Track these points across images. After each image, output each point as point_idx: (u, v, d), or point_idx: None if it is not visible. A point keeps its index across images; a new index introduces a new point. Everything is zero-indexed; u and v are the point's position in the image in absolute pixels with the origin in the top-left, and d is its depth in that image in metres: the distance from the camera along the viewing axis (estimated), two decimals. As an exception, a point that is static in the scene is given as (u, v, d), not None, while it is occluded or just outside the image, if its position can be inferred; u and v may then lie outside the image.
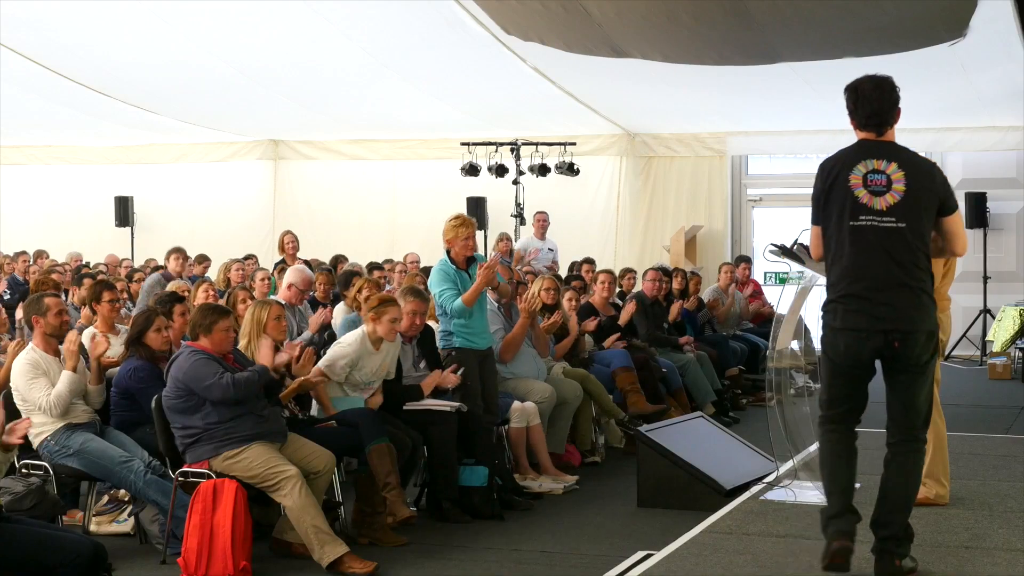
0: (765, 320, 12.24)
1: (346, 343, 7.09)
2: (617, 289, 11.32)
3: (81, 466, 6.40)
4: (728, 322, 12.52)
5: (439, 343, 7.77)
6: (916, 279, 5.11)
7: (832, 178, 5.18)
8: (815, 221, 5.27)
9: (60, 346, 6.60)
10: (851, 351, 5.13)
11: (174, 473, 6.23)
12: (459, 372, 7.50)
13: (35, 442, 6.40)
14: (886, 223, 5.11)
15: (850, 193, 5.13)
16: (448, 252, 7.73)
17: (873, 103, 5.39)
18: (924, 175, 5.19)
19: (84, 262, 14.43)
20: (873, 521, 5.14)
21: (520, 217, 14.22)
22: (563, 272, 12.94)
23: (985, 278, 14.68)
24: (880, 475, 5.19)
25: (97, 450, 6.39)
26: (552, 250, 14.09)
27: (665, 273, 11.62)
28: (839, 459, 5.21)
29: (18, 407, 6.45)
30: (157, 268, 12.41)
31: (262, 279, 10.14)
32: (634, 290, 12.22)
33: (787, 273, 11.91)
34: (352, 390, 7.05)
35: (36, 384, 6.39)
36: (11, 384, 6.53)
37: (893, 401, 5.20)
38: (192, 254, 13.03)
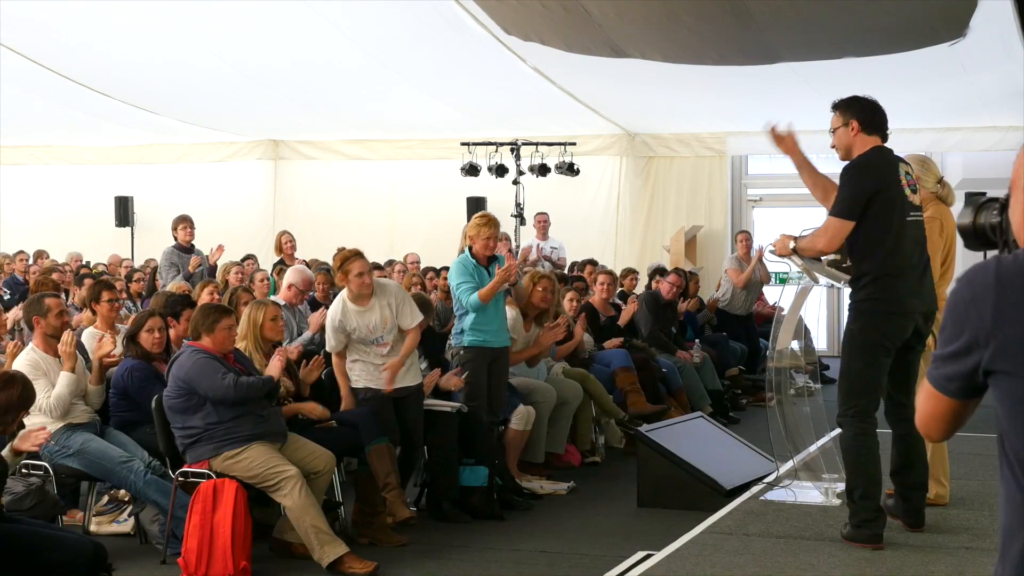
0: (765, 320, 12.26)
1: (328, 316, 7.07)
2: (618, 289, 11.33)
3: (81, 466, 6.40)
4: (750, 289, 12.58)
5: (452, 340, 7.73)
6: (929, 262, 6.03)
7: (885, 181, 5.77)
8: (850, 216, 5.72)
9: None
10: (898, 332, 5.76)
11: (174, 473, 6.23)
12: (463, 376, 7.49)
13: None
14: (919, 216, 5.91)
15: (901, 193, 5.79)
16: (469, 249, 7.66)
17: (883, 113, 5.95)
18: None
19: (84, 262, 14.43)
20: (903, 484, 5.93)
21: (520, 217, 14.21)
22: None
23: (985, 278, 14.66)
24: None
25: (97, 450, 6.39)
26: (555, 248, 14.09)
27: (661, 274, 11.77)
28: (876, 460, 5.79)
29: None
30: (157, 269, 12.36)
31: (261, 280, 10.13)
32: (635, 290, 12.25)
33: (787, 273, 11.96)
34: (368, 354, 6.98)
35: (36, 385, 6.37)
36: None
37: (903, 380, 5.86)
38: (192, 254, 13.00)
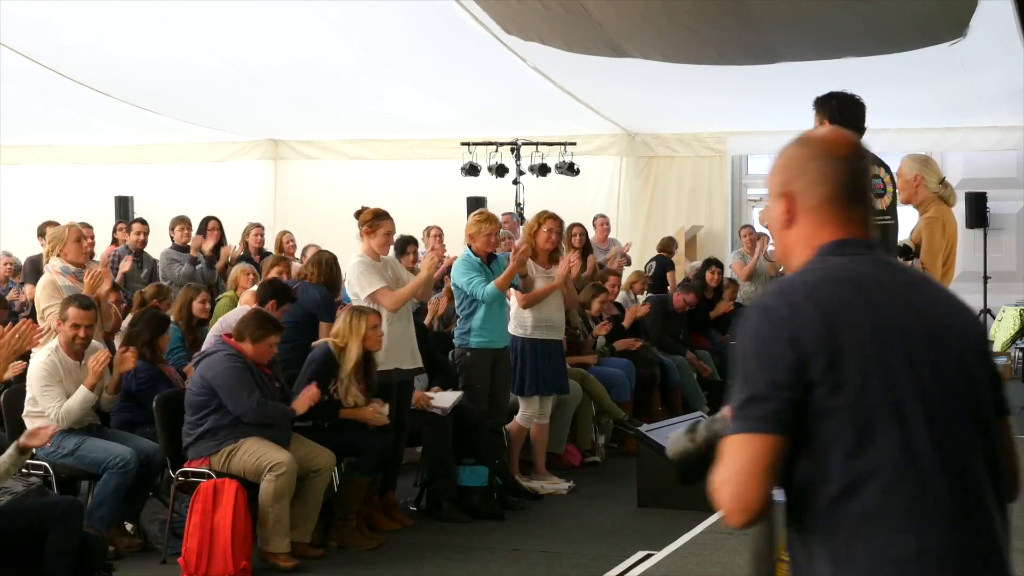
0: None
1: (355, 274, 6.95)
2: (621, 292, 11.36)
3: (78, 465, 6.36)
4: (757, 281, 12.59)
5: (456, 341, 7.69)
6: None
7: None
8: None
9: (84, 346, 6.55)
10: None
11: (174, 473, 6.24)
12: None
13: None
14: (885, 221, 5.85)
15: None
16: (469, 247, 7.62)
17: (858, 111, 5.88)
18: (893, 175, 6.05)
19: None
20: None
21: (520, 217, 14.19)
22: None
23: (985, 278, 14.66)
24: None
25: (92, 448, 6.34)
26: None
27: (717, 265, 12.00)
28: None
29: (26, 403, 6.42)
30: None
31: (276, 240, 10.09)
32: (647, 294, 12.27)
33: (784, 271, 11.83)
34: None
35: (50, 393, 6.34)
36: (26, 381, 6.50)
37: None
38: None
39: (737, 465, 2.04)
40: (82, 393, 6.36)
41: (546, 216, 8.01)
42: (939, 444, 2.04)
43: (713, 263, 12.13)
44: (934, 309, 2.12)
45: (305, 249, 12.57)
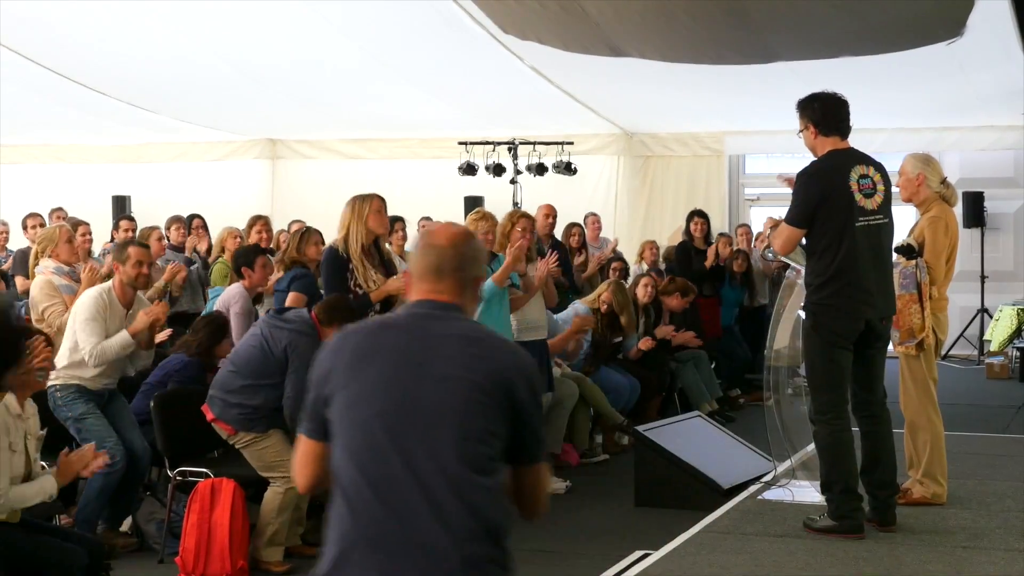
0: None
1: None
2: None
3: (73, 433, 6.29)
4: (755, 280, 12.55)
5: None
6: (891, 266, 6.06)
7: (832, 186, 5.78)
8: (798, 224, 5.85)
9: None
10: (849, 330, 5.79)
11: (172, 472, 6.23)
12: None
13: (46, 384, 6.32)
14: (877, 221, 5.84)
15: (852, 198, 5.75)
16: None
17: (841, 110, 5.94)
18: (886, 173, 5.97)
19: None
20: (871, 482, 5.93)
21: (519, 217, 14.18)
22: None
23: (983, 278, 14.67)
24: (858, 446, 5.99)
25: (92, 426, 6.26)
26: None
27: (699, 215, 11.94)
28: (852, 454, 5.85)
29: (65, 341, 6.33)
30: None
31: (258, 230, 10.15)
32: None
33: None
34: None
35: (90, 327, 6.24)
36: (71, 312, 6.44)
37: (866, 377, 5.94)
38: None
39: (296, 454, 2.78)
40: (122, 336, 6.25)
41: (519, 215, 7.99)
42: (374, 454, 2.58)
43: (696, 214, 12.01)
44: (444, 351, 2.65)
45: (280, 233, 12.67)
